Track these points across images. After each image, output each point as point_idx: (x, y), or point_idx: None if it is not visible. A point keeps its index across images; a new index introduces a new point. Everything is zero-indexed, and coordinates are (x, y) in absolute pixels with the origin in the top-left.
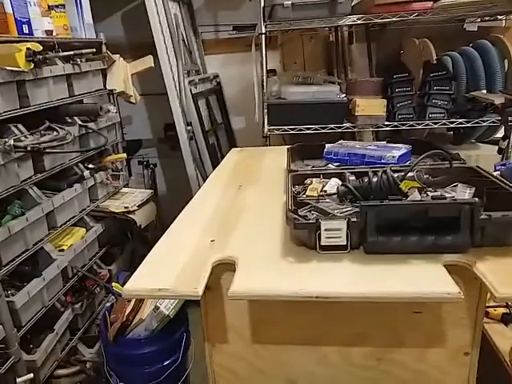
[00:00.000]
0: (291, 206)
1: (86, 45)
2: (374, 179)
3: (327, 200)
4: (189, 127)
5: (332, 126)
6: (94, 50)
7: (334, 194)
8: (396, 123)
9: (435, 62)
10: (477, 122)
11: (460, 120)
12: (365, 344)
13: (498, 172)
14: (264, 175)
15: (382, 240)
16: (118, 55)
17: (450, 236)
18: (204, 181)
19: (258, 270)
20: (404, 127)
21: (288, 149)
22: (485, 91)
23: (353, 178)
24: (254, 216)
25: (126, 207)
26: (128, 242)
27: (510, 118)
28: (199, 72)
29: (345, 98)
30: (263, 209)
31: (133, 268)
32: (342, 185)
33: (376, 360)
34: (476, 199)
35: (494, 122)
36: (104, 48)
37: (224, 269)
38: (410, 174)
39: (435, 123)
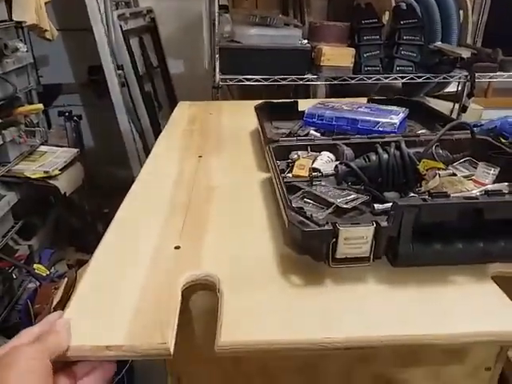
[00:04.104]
0: (288, 200)
1: None
2: (385, 156)
3: (322, 183)
4: (119, 71)
5: (293, 77)
6: None
7: (332, 175)
8: (362, 76)
9: (405, 7)
10: (445, 78)
11: (428, 75)
12: (373, 363)
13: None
14: (226, 140)
15: (418, 250)
16: None
17: (502, 241)
18: (140, 135)
19: (253, 300)
20: (370, 81)
21: (255, 108)
22: (440, 43)
23: (350, 151)
24: (227, 203)
25: (45, 172)
26: (51, 210)
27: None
28: (129, 5)
29: (308, 45)
30: (237, 191)
31: (58, 243)
32: (342, 163)
33: (385, 382)
34: None
35: (460, 78)
36: None
37: (195, 288)
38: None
39: (403, 77)
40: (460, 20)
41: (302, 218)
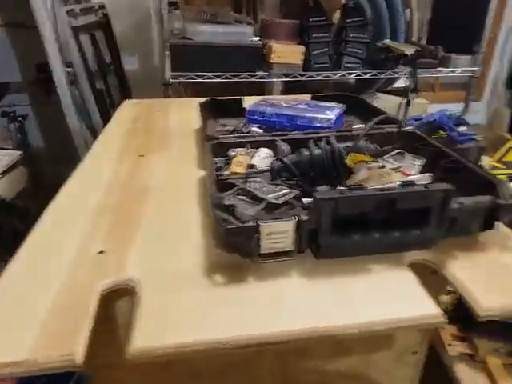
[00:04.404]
0: (215, 197)
1: None
2: (316, 151)
3: (257, 179)
4: (69, 69)
5: (245, 74)
6: None
7: (267, 171)
8: (311, 73)
9: (352, 5)
10: (390, 74)
11: (374, 71)
12: (305, 357)
13: (412, 127)
14: (170, 138)
15: (338, 241)
16: None
17: (417, 230)
18: (92, 135)
19: (173, 302)
20: (319, 78)
21: (199, 105)
22: (389, 40)
23: (288, 147)
24: (162, 204)
25: None
26: None
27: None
28: (80, 0)
29: (259, 42)
30: (174, 191)
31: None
32: (277, 159)
33: (319, 373)
34: (449, 186)
35: (404, 74)
36: None
37: (120, 293)
38: (357, 144)
39: (350, 73)
40: (407, 18)
41: (225, 216)
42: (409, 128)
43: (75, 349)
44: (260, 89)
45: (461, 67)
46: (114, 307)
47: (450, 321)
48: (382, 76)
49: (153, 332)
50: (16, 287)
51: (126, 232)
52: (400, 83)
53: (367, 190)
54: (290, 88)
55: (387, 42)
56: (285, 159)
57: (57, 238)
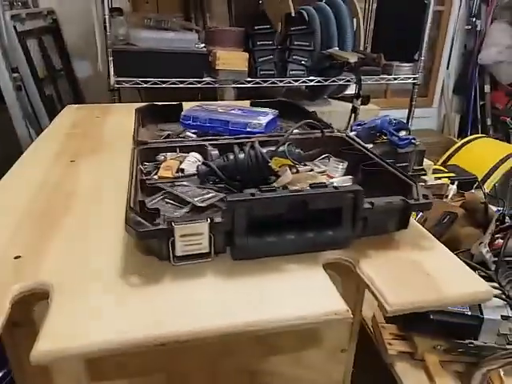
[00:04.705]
0: (133, 200)
1: None
2: (241, 156)
3: (185, 183)
4: (15, 74)
5: (191, 80)
6: None
7: (194, 174)
8: (258, 80)
9: (296, 15)
10: (334, 81)
11: (319, 78)
12: (235, 356)
13: (355, 132)
14: (106, 144)
15: (253, 242)
16: None
17: (330, 231)
18: None
19: (82, 305)
20: (265, 84)
21: (136, 110)
22: (337, 48)
23: (216, 152)
24: (86, 210)
25: None
26: None
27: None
28: (27, 5)
29: (204, 49)
30: (101, 197)
31: None
32: (203, 163)
33: (249, 374)
34: (359, 187)
35: (348, 81)
36: None
37: (38, 296)
38: (280, 149)
39: (296, 81)
40: (354, 27)
41: (139, 219)
42: (336, 133)
43: None
44: (213, 94)
45: (403, 74)
46: (35, 311)
47: (391, 320)
48: (327, 83)
49: (58, 335)
50: None
51: (46, 237)
52: (352, 90)
53: (278, 191)
54: (241, 94)
55: (331, 50)
56: (211, 163)
57: None
